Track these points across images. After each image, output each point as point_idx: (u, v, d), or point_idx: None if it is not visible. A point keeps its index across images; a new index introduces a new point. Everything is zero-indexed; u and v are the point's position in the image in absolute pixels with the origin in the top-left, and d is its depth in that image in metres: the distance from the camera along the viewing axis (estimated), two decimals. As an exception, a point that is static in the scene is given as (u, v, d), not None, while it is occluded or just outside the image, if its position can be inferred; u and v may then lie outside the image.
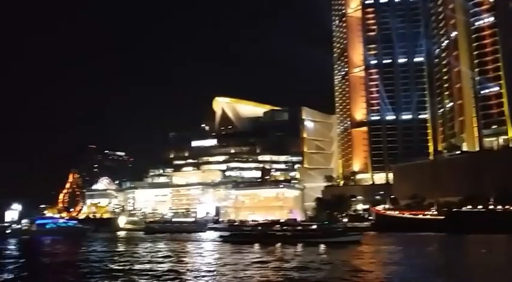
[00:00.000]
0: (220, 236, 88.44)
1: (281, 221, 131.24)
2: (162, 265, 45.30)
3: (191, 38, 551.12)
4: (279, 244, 72.22)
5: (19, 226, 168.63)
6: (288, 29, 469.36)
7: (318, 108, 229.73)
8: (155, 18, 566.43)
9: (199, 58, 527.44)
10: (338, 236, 78.52)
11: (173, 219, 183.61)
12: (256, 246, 70.99)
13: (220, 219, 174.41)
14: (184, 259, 53.00)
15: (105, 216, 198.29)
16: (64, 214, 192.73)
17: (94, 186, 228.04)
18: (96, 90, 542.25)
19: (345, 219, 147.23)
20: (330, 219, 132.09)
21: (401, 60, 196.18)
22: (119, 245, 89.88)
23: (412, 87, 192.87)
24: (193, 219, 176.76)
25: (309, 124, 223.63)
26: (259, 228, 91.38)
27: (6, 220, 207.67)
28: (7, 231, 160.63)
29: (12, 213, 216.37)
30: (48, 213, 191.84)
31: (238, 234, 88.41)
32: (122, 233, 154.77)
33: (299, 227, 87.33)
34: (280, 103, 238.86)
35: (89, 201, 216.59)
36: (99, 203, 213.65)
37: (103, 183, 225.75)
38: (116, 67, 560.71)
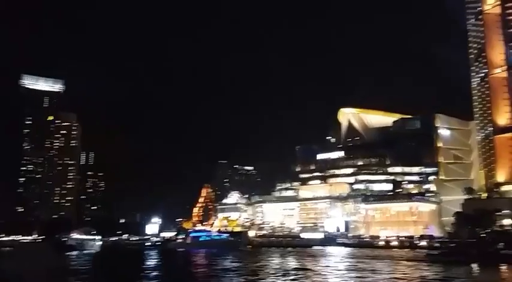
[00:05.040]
0: (428, 254, 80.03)
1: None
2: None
3: (322, 50, 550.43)
4: (504, 265, 63.04)
5: (158, 239, 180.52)
6: (417, 30, 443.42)
7: (454, 114, 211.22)
8: (284, 32, 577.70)
9: (323, 71, 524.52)
10: None
11: (301, 234, 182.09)
12: (475, 267, 63.10)
13: (349, 234, 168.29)
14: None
15: (236, 229, 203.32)
16: (198, 227, 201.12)
17: (225, 200, 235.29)
18: (223, 106, 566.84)
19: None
20: (471, 236, 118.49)
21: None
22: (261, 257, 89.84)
23: None
24: (322, 234, 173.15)
25: (444, 132, 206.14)
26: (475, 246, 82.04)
27: (147, 233, 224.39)
28: (146, 244, 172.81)
29: (153, 226, 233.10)
30: (199, 227, 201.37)
31: (449, 253, 79.47)
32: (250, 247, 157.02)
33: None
34: (410, 111, 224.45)
35: (220, 215, 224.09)
36: (229, 216, 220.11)
37: (233, 197, 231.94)
38: (240, 82, 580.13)
